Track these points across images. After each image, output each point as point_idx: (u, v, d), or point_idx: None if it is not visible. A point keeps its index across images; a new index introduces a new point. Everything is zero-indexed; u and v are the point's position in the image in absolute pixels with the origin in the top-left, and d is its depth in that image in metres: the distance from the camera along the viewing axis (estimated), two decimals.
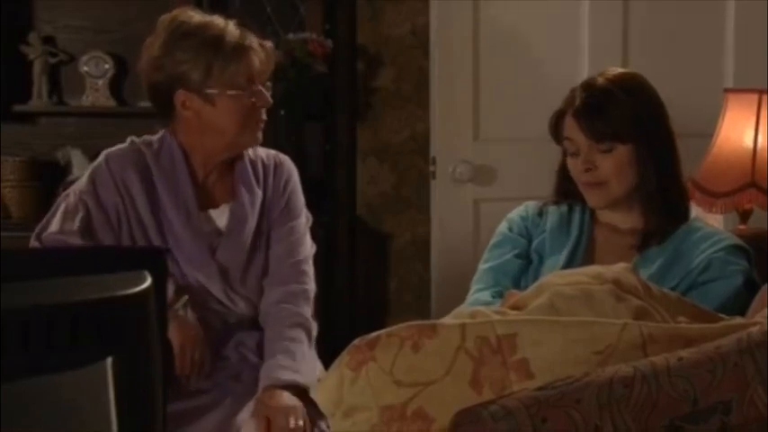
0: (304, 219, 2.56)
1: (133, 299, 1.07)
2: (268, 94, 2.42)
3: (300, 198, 2.56)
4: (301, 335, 2.42)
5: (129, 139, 2.49)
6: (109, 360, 1.04)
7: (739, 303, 2.10)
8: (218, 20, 2.40)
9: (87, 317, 1.04)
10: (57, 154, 4.16)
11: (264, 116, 2.43)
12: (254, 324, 2.48)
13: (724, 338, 1.61)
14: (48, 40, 4.20)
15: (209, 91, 2.36)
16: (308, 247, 2.55)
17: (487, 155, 3.97)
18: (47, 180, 4.13)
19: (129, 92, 4.27)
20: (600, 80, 2.25)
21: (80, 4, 4.23)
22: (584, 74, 3.54)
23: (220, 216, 2.46)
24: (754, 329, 1.59)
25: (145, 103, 4.18)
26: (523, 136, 3.86)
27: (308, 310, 2.48)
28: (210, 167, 2.47)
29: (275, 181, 2.52)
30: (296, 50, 3.83)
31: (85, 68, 4.19)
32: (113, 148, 2.46)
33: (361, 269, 4.24)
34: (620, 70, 2.33)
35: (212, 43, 2.35)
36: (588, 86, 2.25)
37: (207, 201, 2.46)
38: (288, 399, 2.29)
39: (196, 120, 2.39)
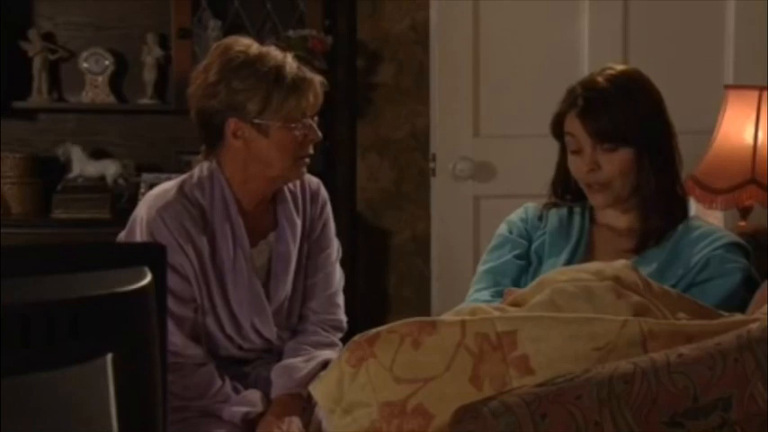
0: (335, 246, 2.57)
1: (133, 295, 1.07)
2: (317, 129, 2.41)
3: (333, 226, 2.57)
4: (330, 353, 2.46)
5: (175, 187, 2.41)
6: (109, 356, 1.04)
7: (738, 301, 2.10)
8: (275, 51, 2.38)
9: (88, 313, 1.04)
10: (57, 150, 4.16)
11: (311, 151, 2.42)
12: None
13: (724, 335, 1.61)
14: (47, 37, 4.20)
15: (264, 122, 2.33)
16: (339, 277, 2.58)
17: (488, 151, 3.97)
18: (47, 176, 4.13)
19: (128, 88, 4.27)
20: (600, 80, 2.24)
21: (80, 0, 4.23)
22: (584, 69, 3.54)
23: (262, 253, 2.45)
24: (754, 326, 1.59)
25: (144, 101, 4.21)
26: (524, 132, 3.86)
27: (337, 340, 2.53)
28: (254, 203, 2.44)
29: (312, 209, 2.52)
30: (296, 47, 3.83)
31: (85, 65, 4.19)
32: (161, 201, 2.37)
33: (362, 265, 4.24)
34: (620, 68, 2.32)
35: (273, 74, 2.33)
36: (589, 87, 2.24)
37: (250, 237, 2.43)
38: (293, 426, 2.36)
39: (244, 149, 2.36)
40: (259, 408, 2.38)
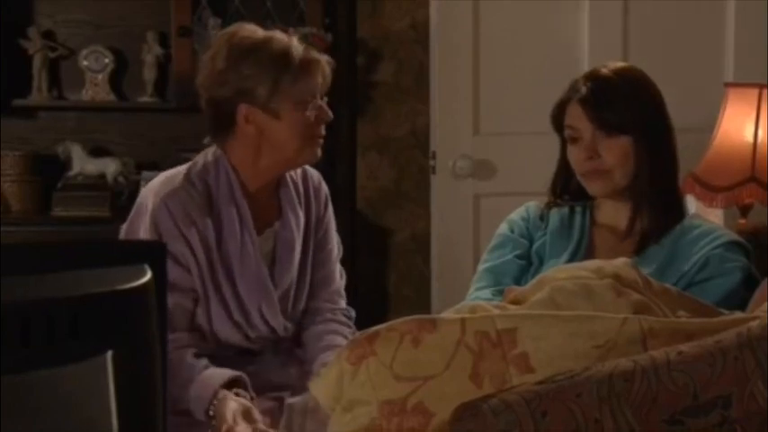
0: (336, 242, 2.57)
1: (133, 293, 1.07)
2: (328, 108, 2.41)
3: (334, 221, 2.57)
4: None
5: (181, 174, 2.40)
6: (109, 353, 1.04)
7: (738, 300, 2.10)
8: (280, 34, 2.38)
9: (88, 311, 1.04)
10: (57, 148, 4.16)
11: (324, 131, 2.42)
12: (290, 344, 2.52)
13: (724, 333, 1.61)
14: (47, 35, 4.20)
15: (275, 105, 2.33)
16: (340, 273, 2.58)
17: (487, 149, 3.97)
18: (47, 175, 4.13)
19: (128, 86, 4.27)
20: (604, 71, 2.26)
21: None
22: (584, 67, 3.53)
23: (267, 240, 2.45)
24: (755, 324, 1.59)
25: (144, 99, 4.21)
26: (524, 130, 3.86)
27: (348, 332, 2.52)
28: (260, 187, 2.43)
29: (316, 203, 2.52)
30: None
31: (85, 63, 4.19)
32: (166, 188, 2.36)
33: (362, 264, 4.24)
34: (623, 63, 2.34)
35: (280, 57, 2.33)
36: (594, 76, 2.25)
37: (257, 225, 2.43)
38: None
39: (257, 134, 2.36)
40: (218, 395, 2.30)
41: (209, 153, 2.45)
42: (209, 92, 2.38)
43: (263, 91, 2.33)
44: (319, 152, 2.43)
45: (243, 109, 2.35)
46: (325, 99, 2.42)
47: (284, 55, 2.34)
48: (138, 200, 2.43)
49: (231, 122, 2.37)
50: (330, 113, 2.41)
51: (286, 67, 2.33)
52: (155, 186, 2.40)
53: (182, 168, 2.44)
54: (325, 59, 2.40)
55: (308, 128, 2.38)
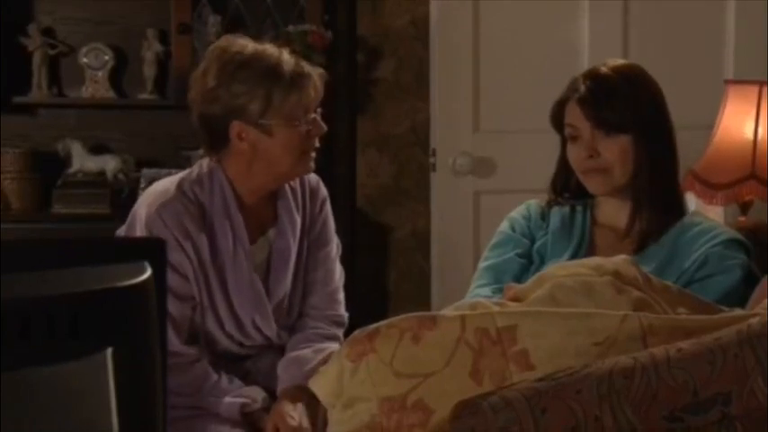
0: (335, 243, 2.56)
1: (133, 290, 1.07)
2: (322, 122, 2.39)
3: (333, 223, 2.56)
4: (336, 346, 2.44)
5: (174, 185, 2.40)
6: (109, 351, 1.04)
7: (738, 298, 2.10)
8: (271, 48, 2.35)
9: (87, 308, 1.04)
10: (57, 146, 4.16)
11: (317, 144, 2.40)
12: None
13: (724, 330, 1.61)
14: (47, 32, 4.19)
15: (267, 122, 2.32)
16: (339, 274, 2.57)
17: (487, 147, 3.97)
18: (46, 172, 4.13)
19: (128, 84, 4.27)
20: (604, 69, 2.25)
21: None
22: (584, 64, 3.54)
23: (261, 249, 2.44)
24: (754, 321, 1.59)
25: (144, 96, 4.21)
26: (523, 128, 3.86)
27: (340, 334, 2.52)
28: (255, 199, 2.43)
29: (312, 206, 2.50)
30: (296, 42, 3.83)
31: (85, 60, 4.19)
32: (160, 199, 2.36)
33: (361, 261, 4.24)
34: (622, 61, 2.33)
35: (270, 73, 2.31)
36: (592, 75, 2.25)
37: (250, 233, 2.42)
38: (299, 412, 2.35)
39: (251, 151, 2.35)
40: (258, 404, 2.37)
41: (203, 164, 2.43)
42: (200, 108, 2.36)
43: (254, 108, 2.31)
44: (312, 165, 2.42)
45: (236, 126, 2.33)
46: (319, 111, 2.39)
47: (275, 70, 2.31)
48: (132, 211, 2.42)
49: (224, 139, 2.35)
50: (324, 126, 2.39)
51: (277, 83, 2.30)
52: (148, 198, 2.39)
53: (174, 179, 2.43)
54: (317, 73, 2.37)
55: (302, 143, 2.36)
